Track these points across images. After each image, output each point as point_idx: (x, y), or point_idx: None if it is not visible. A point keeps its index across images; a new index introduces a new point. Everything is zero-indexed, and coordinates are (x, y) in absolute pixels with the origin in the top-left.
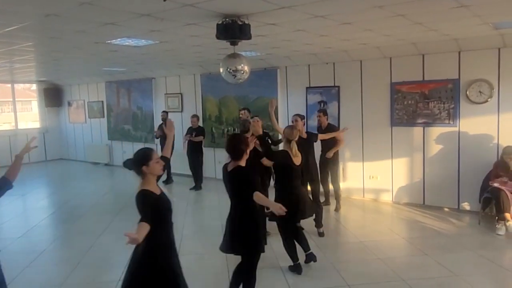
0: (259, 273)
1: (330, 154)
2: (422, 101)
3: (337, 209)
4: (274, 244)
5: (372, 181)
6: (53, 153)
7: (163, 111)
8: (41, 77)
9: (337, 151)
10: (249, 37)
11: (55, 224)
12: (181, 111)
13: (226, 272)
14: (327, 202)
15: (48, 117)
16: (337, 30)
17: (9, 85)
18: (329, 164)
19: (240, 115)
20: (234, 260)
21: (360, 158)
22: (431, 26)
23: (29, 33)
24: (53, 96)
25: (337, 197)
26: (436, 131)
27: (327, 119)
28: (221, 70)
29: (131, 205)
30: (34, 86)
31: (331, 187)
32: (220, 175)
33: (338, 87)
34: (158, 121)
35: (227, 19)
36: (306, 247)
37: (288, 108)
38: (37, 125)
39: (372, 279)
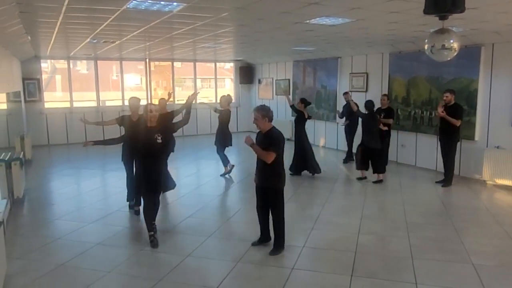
0: (446, 266)
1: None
2: None
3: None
4: (466, 239)
5: None
6: (244, 126)
7: (345, 92)
8: (238, 57)
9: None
10: (462, 10)
11: (244, 188)
12: (366, 91)
13: (409, 258)
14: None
15: (241, 93)
16: None
17: (209, 64)
18: None
19: (445, 98)
20: (420, 245)
21: None
22: None
23: (241, 15)
24: (246, 74)
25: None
26: None
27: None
28: (425, 47)
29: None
30: (227, 65)
31: None
32: (402, 159)
33: None
34: (341, 100)
35: None
36: None
37: (491, 91)
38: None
39: None
